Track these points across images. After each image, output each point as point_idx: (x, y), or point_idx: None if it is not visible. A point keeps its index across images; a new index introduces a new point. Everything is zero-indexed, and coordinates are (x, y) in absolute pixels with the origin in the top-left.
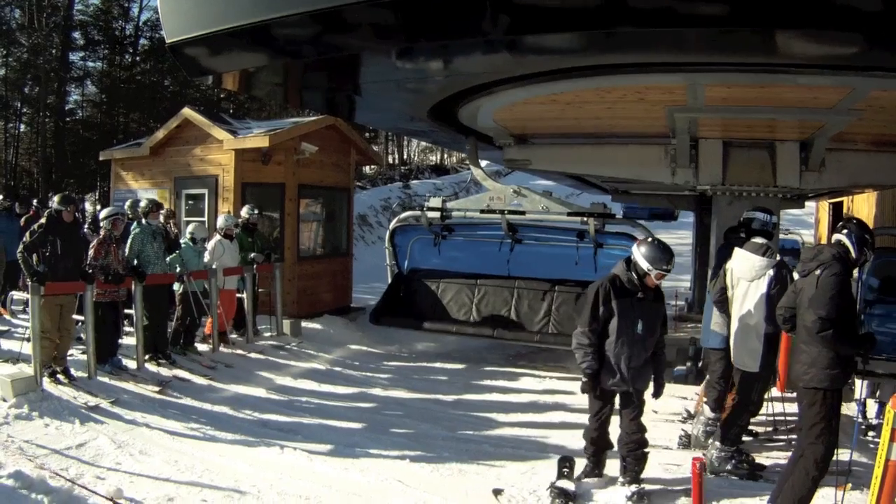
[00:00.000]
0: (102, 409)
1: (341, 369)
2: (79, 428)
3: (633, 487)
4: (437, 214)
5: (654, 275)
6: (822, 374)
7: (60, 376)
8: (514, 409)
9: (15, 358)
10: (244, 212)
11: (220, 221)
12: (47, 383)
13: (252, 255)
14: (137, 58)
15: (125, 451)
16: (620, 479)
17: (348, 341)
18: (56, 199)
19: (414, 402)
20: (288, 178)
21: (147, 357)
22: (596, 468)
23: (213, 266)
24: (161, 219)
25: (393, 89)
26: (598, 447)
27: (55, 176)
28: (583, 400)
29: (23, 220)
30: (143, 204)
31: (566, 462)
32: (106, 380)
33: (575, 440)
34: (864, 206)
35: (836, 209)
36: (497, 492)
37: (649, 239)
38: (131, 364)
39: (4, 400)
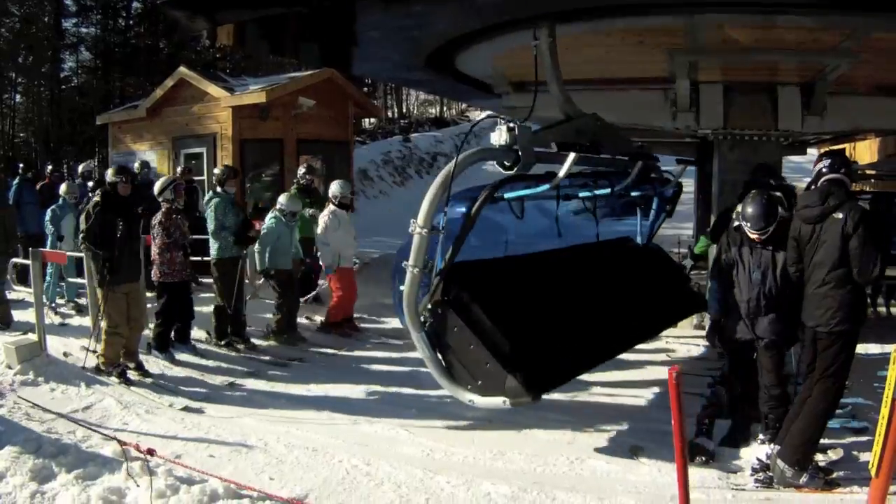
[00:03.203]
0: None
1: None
2: (84, 391)
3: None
4: None
5: (748, 231)
6: (850, 315)
7: (133, 374)
8: None
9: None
10: (301, 172)
11: (333, 188)
12: (117, 384)
13: (310, 211)
14: (131, 21)
15: (132, 412)
16: (760, 437)
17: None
18: (110, 170)
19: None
20: (286, 133)
21: (223, 342)
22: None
23: (328, 243)
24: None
25: (390, 37)
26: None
27: (53, 144)
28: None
29: (38, 186)
30: (217, 171)
31: (706, 419)
32: (182, 371)
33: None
34: (865, 152)
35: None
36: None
37: (751, 196)
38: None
39: (10, 367)
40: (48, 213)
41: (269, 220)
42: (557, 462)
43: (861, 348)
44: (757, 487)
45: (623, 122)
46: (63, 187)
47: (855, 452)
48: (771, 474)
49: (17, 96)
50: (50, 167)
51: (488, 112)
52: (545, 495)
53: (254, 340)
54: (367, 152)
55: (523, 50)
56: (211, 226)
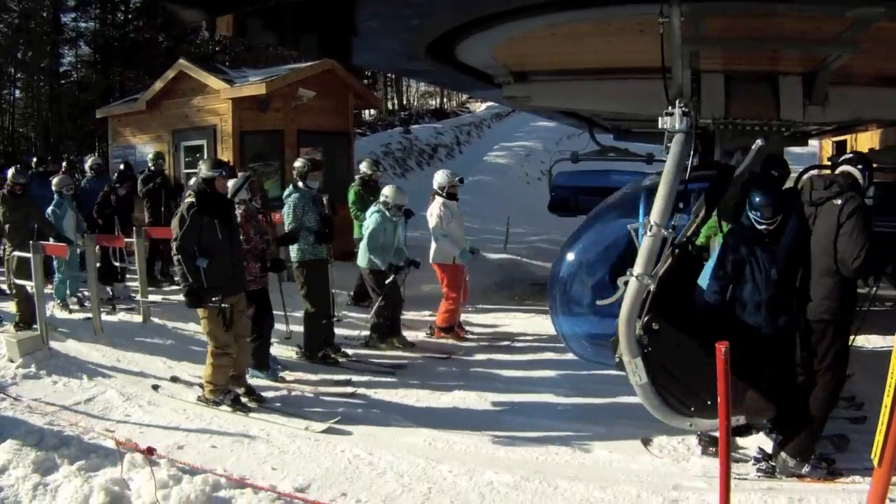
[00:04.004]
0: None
1: (345, 311)
2: (87, 383)
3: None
4: None
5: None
6: (838, 305)
7: (246, 400)
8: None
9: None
10: (364, 166)
11: (440, 178)
12: (229, 413)
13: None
14: (130, 15)
15: (134, 403)
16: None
17: (351, 286)
18: (204, 164)
19: (430, 346)
20: (287, 124)
21: (320, 355)
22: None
23: (448, 234)
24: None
25: (389, 27)
26: None
27: (53, 139)
28: None
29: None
30: (298, 164)
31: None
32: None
33: None
34: (867, 143)
35: (840, 148)
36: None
37: (757, 182)
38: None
39: (12, 360)
40: (49, 214)
41: (372, 214)
42: (560, 451)
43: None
44: (759, 477)
45: (623, 111)
46: (55, 180)
47: (857, 443)
48: (773, 464)
49: (17, 91)
50: (65, 162)
51: (489, 103)
52: (547, 484)
53: (346, 349)
54: (368, 144)
55: (524, 39)
56: (289, 225)
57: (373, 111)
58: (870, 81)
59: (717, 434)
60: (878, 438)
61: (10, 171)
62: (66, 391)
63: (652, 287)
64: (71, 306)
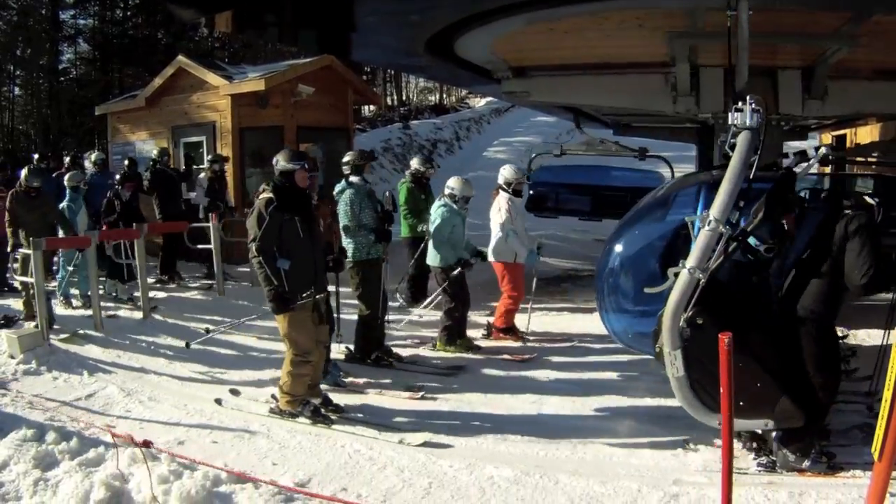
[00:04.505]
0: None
1: (347, 308)
2: (87, 379)
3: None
4: None
5: None
6: (819, 301)
7: (327, 411)
8: None
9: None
10: (416, 163)
11: (507, 174)
12: (308, 426)
13: (421, 227)
14: (129, 12)
15: (134, 399)
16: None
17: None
18: (282, 156)
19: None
20: (286, 120)
21: (371, 358)
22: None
23: (518, 231)
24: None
25: (388, 22)
26: None
27: (52, 136)
28: None
29: (55, 175)
30: (348, 157)
31: None
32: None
33: None
34: (867, 138)
35: (840, 142)
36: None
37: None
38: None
39: (12, 357)
40: (64, 208)
41: (438, 209)
42: (560, 446)
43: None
44: (760, 471)
45: (623, 106)
46: (69, 175)
47: (858, 437)
48: (774, 458)
49: (16, 89)
50: (69, 158)
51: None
52: (548, 478)
53: (401, 351)
54: (367, 140)
55: (523, 34)
56: (345, 222)
57: (372, 107)
58: (870, 75)
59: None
60: (878, 433)
61: (23, 172)
62: (67, 387)
63: (702, 281)
64: (74, 303)
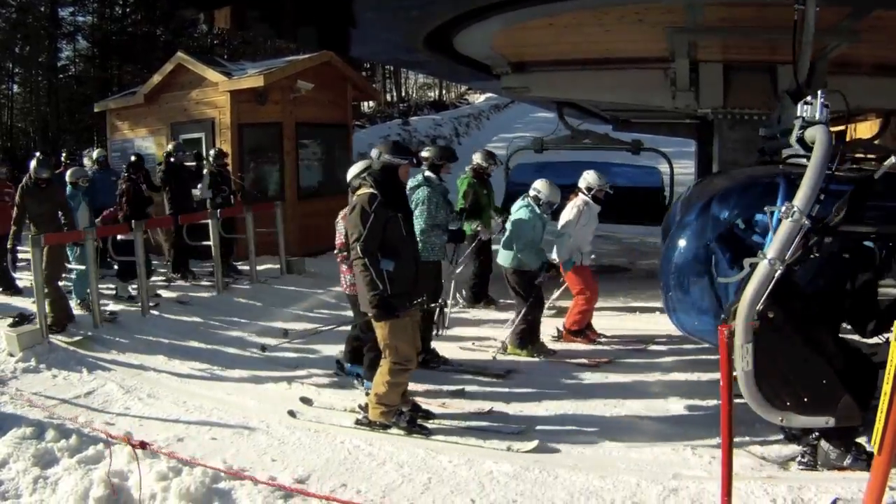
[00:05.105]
0: None
1: (346, 304)
2: (87, 376)
3: None
4: None
5: None
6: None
7: (418, 418)
8: None
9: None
10: (478, 157)
11: (591, 178)
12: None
13: (498, 219)
14: (128, 9)
15: (133, 396)
16: None
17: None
18: (383, 147)
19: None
20: (285, 116)
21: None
22: None
23: (572, 235)
24: None
25: (387, 18)
26: None
27: (51, 133)
28: None
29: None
30: (427, 153)
31: None
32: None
33: None
34: (866, 133)
35: (839, 137)
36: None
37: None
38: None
39: (11, 355)
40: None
41: (520, 209)
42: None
43: None
44: (801, 469)
45: (623, 101)
46: (70, 171)
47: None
48: (815, 456)
49: (15, 87)
50: (64, 154)
51: (487, 94)
52: (547, 473)
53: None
54: (367, 136)
55: (522, 30)
56: (422, 224)
57: (371, 103)
58: (869, 70)
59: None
60: (878, 426)
61: (32, 164)
62: (66, 385)
63: (778, 273)
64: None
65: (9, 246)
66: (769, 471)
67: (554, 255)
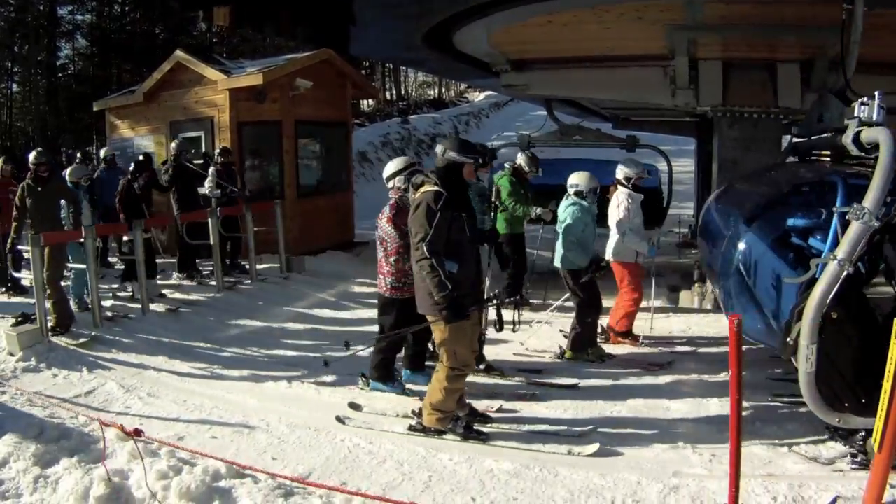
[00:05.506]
0: None
1: (346, 302)
2: (87, 375)
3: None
4: None
5: None
6: None
7: (476, 423)
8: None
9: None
10: (521, 159)
11: (628, 168)
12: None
13: (538, 210)
14: (127, 8)
15: (134, 395)
16: None
17: (352, 275)
18: (448, 143)
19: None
20: (284, 115)
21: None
22: None
23: (633, 228)
24: None
25: (387, 16)
26: None
27: (51, 132)
28: None
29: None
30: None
31: None
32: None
33: None
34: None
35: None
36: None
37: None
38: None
39: (12, 354)
40: (64, 205)
41: (567, 208)
42: (560, 439)
43: None
44: (853, 468)
45: (622, 99)
46: (70, 170)
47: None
48: (866, 454)
49: (14, 86)
50: (79, 154)
51: (487, 93)
52: (547, 471)
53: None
54: (366, 134)
55: (522, 27)
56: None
57: (371, 101)
58: (869, 68)
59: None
60: (878, 424)
61: (32, 155)
62: (66, 384)
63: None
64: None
65: (7, 246)
66: (770, 468)
67: (609, 255)
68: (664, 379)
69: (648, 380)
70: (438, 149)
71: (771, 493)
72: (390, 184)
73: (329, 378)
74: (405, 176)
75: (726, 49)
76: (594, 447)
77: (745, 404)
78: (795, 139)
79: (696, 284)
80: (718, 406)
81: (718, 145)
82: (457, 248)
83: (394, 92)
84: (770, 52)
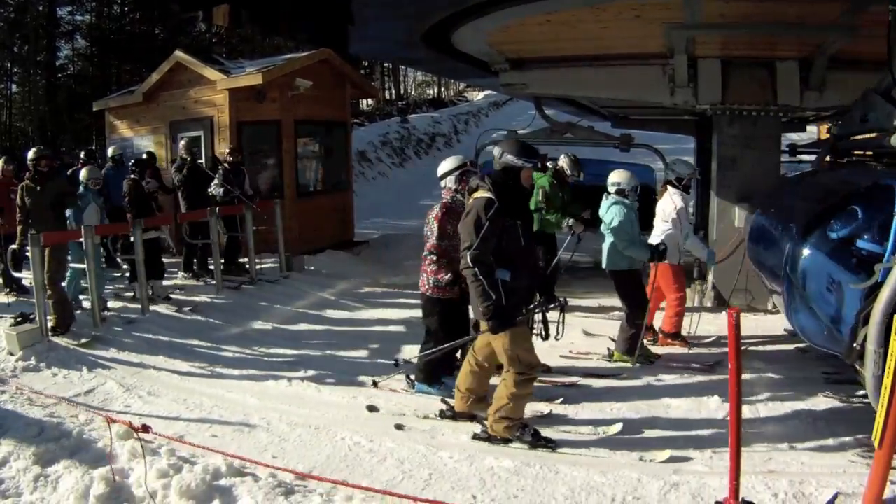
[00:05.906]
0: None
1: (347, 301)
2: (87, 375)
3: None
4: None
5: None
6: None
7: (524, 434)
8: None
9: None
10: (563, 161)
11: (680, 168)
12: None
13: (570, 222)
14: (126, 8)
15: (133, 394)
16: None
17: (352, 274)
18: (506, 147)
19: (420, 331)
20: (284, 114)
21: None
22: None
23: (692, 234)
24: None
25: (385, 15)
26: None
27: (50, 133)
28: None
29: (69, 172)
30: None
31: None
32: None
33: None
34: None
35: None
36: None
37: None
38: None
39: (12, 353)
40: (69, 210)
41: (610, 207)
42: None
43: None
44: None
45: (621, 97)
46: (84, 172)
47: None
48: None
49: (13, 86)
50: (83, 153)
51: (486, 92)
52: (548, 469)
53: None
54: (366, 133)
55: (520, 26)
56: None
57: (370, 101)
58: (868, 66)
59: None
60: (879, 420)
61: (31, 151)
62: (66, 383)
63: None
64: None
65: (15, 246)
66: (770, 465)
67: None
68: (664, 377)
69: (648, 378)
70: (496, 151)
71: (771, 490)
72: (443, 183)
73: (329, 378)
74: (456, 176)
75: (725, 47)
76: (666, 454)
77: (745, 401)
78: (835, 138)
79: (696, 282)
80: (719, 403)
81: (718, 143)
82: (510, 257)
83: (393, 91)
84: (769, 50)
